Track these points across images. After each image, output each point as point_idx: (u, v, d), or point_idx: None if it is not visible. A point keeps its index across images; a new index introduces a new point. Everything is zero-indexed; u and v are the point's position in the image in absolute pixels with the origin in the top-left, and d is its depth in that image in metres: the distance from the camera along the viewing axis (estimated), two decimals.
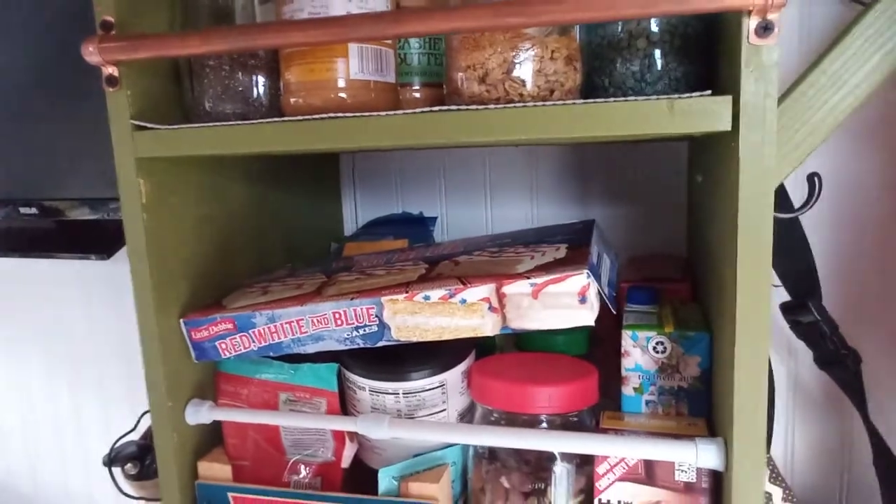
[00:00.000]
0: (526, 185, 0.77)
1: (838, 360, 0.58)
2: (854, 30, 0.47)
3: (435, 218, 0.73)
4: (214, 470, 0.55)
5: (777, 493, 0.62)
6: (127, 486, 0.77)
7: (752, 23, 0.36)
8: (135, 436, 0.80)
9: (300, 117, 0.45)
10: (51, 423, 1.11)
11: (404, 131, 0.43)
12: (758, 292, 0.39)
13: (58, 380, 1.08)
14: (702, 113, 0.38)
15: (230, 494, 0.53)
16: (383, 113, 0.43)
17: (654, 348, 0.51)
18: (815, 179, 0.46)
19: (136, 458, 0.76)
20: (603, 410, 0.52)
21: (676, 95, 0.38)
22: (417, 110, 0.42)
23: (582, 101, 0.40)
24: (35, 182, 0.81)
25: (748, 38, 0.36)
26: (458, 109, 0.42)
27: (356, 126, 0.44)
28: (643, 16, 0.40)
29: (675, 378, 0.51)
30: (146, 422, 0.81)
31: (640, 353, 0.51)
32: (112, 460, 0.76)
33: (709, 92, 0.38)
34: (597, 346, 0.63)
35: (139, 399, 1.02)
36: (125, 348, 1.02)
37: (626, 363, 0.51)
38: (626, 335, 0.51)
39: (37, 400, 1.11)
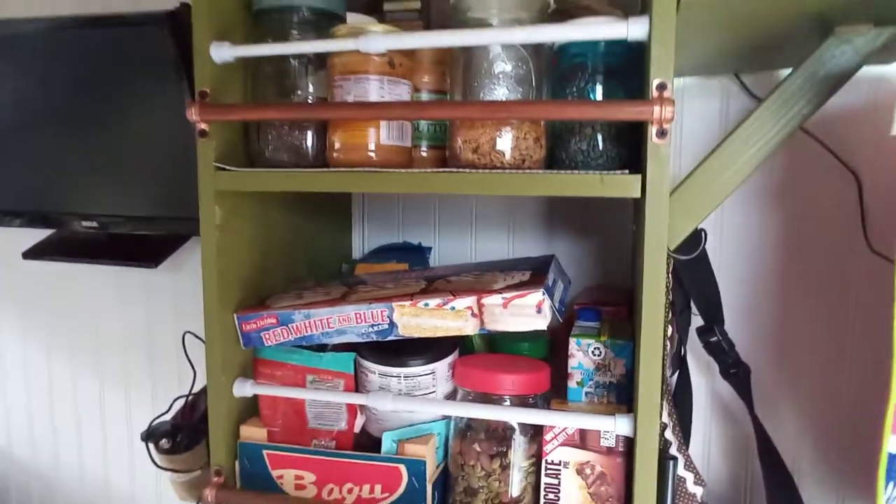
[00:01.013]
0: (504, 225, 0.94)
1: (734, 372, 0.76)
2: (738, 129, 0.66)
3: (430, 247, 0.90)
4: (253, 432, 0.70)
5: (690, 477, 0.79)
6: (159, 459, 0.91)
7: (653, 129, 0.54)
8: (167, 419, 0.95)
9: (344, 169, 0.62)
10: (75, 412, 1.25)
11: (418, 183, 0.60)
12: (655, 313, 0.56)
13: (85, 372, 1.23)
14: (622, 185, 0.56)
15: (265, 451, 0.69)
16: (404, 170, 0.61)
17: (593, 352, 0.68)
18: (703, 233, 0.64)
19: (170, 435, 0.90)
20: (553, 398, 0.68)
21: (607, 172, 0.56)
22: (429, 170, 0.60)
23: (543, 171, 0.58)
24: (95, 199, 0.97)
25: (651, 138, 0.54)
26: (458, 171, 0.59)
27: (384, 178, 0.61)
28: (581, 118, 0.58)
29: (608, 375, 0.68)
30: (177, 406, 0.95)
31: (582, 355, 0.68)
32: (149, 436, 0.91)
33: (627, 171, 0.56)
34: (555, 354, 0.80)
35: (161, 392, 1.17)
36: (151, 348, 1.17)
37: (572, 363, 0.68)
38: (573, 341, 0.68)
39: (65, 391, 1.25)
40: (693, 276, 0.76)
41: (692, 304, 0.80)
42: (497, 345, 0.79)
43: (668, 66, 0.54)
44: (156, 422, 0.93)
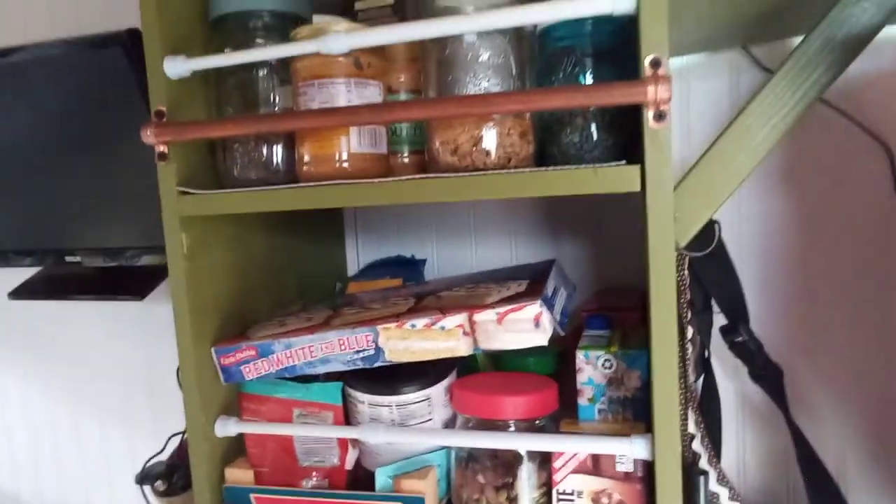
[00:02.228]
0: (506, 230, 0.88)
1: (765, 375, 0.69)
2: (750, 105, 0.59)
3: (425, 260, 0.84)
4: (238, 475, 0.65)
5: (724, 493, 0.71)
6: (156, 501, 0.87)
7: (650, 113, 0.48)
8: (163, 458, 0.90)
9: (312, 183, 0.57)
10: (79, 451, 1.21)
11: (392, 193, 0.55)
12: (666, 318, 0.50)
13: (86, 410, 1.19)
14: (618, 178, 0.50)
15: (252, 496, 0.63)
16: (377, 180, 0.55)
17: (603, 364, 0.61)
18: (716, 225, 0.57)
19: (165, 476, 0.86)
20: (563, 418, 0.62)
21: (600, 164, 0.50)
22: (403, 178, 0.54)
23: (530, 169, 0.52)
24: (77, 233, 0.93)
25: (648, 123, 0.48)
26: (435, 177, 0.53)
27: (357, 191, 0.56)
28: (566, 106, 0.51)
29: (621, 389, 0.61)
30: (173, 444, 0.91)
31: (591, 368, 0.61)
32: (143, 478, 0.86)
33: (623, 162, 0.50)
34: (565, 366, 0.73)
35: (163, 427, 1.12)
36: (151, 381, 1.12)
37: (581, 378, 0.62)
38: (580, 354, 0.61)
39: (68, 430, 1.21)
40: (711, 271, 0.68)
41: (713, 303, 0.73)
42: (502, 362, 0.72)
43: (662, 39, 0.47)
44: (150, 463, 0.88)
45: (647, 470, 0.56)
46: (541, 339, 0.55)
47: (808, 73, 0.58)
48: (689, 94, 0.81)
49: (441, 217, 0.90)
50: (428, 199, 0.54)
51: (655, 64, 0.47)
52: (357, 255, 0.95)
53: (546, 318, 0.55)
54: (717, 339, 0.72)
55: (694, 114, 0.81)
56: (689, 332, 0.67)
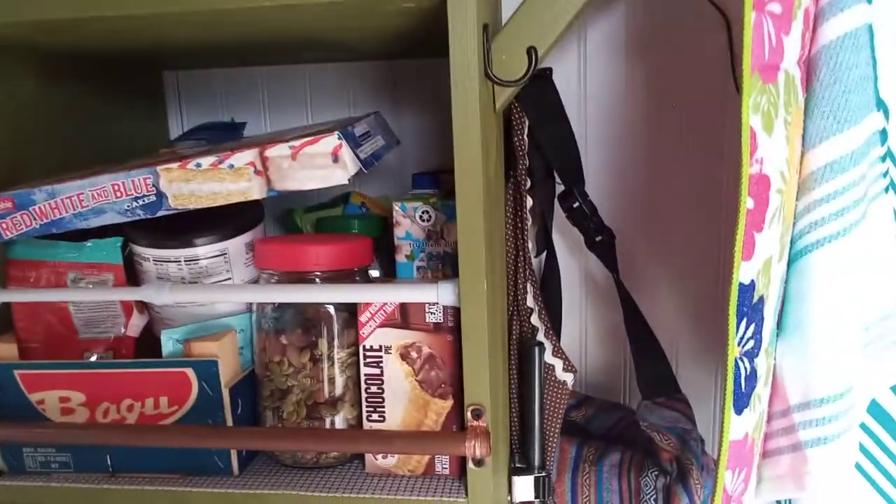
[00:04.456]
0: (344, 100, 0.81)
1: (600, 240, 0.67)
2: None
3: (245, 123, 0.75)
4: None
5: (559, 364, 0.71)
6: None
7: None
8: None
9: None
10: None
11: None
12: (469, 161, 0.46)
13: None
14: None
15: (17, 372, 0.54)
16: None
17: (421, 217, 0.56)
18: (532, 52, 0.52)
19: None
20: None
21: None
22: None
23: None
24: None
25: None
26: None
27: None
28: None
29: (441, 244, 0.57)
30: None
31: (409, 222, 0.57)
32: None
33: None
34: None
35: None
36: None
37: (398, 232, 0.57)
38: (397, 207, 0.56)
39: None
40: (549, 134, 0.65)
41: (556, 175, 0.70)
42: (324, 227, 0.66)
43: None
44: None
45: (457, 320, 0.52)
46: (341, 176, 0.49)
47: None
48: None
49: (272, 84, 0.81)
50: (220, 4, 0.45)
51: None
52: (182, 128, 0.84)
53: (347, 153, 0.48)
54: (561, 220, 0.69)
55: None
56: (529, 202, 0.64)
